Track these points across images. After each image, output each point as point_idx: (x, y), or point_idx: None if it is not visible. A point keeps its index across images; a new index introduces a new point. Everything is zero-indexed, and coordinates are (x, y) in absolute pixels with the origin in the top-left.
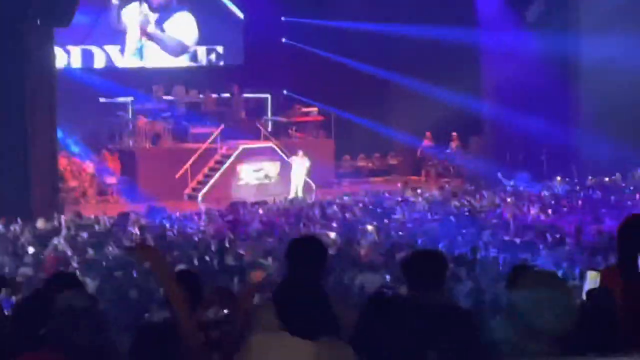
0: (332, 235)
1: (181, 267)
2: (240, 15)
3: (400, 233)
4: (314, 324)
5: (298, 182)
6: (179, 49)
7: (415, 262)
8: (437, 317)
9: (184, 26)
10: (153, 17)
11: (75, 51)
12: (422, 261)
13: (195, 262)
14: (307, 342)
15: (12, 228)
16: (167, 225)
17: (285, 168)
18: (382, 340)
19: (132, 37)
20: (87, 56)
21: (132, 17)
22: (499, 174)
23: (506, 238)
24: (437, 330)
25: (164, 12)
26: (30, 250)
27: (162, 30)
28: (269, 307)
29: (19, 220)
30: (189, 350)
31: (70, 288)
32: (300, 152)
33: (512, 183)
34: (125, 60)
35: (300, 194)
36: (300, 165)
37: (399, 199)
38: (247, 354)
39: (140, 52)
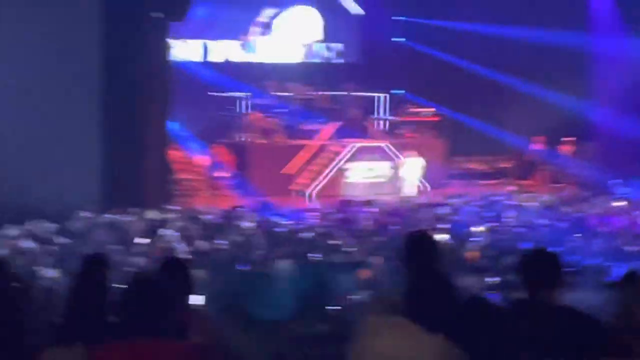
0: (441, 236)
1: (286, 262)
2: (361, 11)
3: (510, 237)
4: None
5: (412, 182)
6: (300, 44)
7: (534, 261)
8: (561, 320)
9: (305, 21)
10: (273, 11)
11: (191, 44)
12: (541, 261)
13: (303, 258)
14: (434, 336)
15: (124, 218)
16: (277, 220)
17: (396, 168)
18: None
19: (250, 31)
20: (203, 50)
21: (251, 11)
22: (613, 181)
23: (618, 246)
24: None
25: (285, 5)
26: (141, 240)
27: (281, 25)
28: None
29: (132, 210)
30: None
31: (175, 273)
32: (411, 151)
33: (626, 190)
34: (241, 54)
35: (414, 193)
36: (414, 164)
37: (510, 202)
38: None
39: (256, 46)
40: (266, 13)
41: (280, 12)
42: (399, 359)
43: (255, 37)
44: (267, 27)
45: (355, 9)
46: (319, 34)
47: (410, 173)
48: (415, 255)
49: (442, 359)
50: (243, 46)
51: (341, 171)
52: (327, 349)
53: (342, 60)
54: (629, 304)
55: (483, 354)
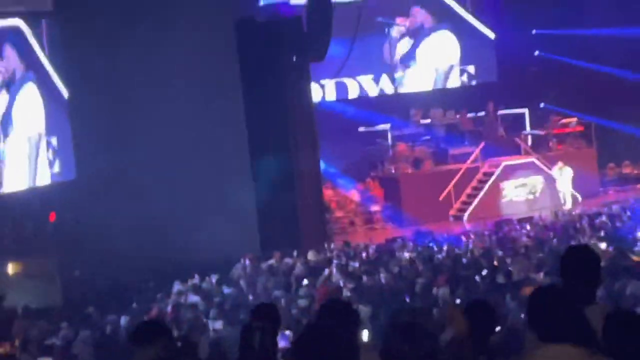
0: (603, 245)
1: (446, 290)
2: (491, 35)
3: None
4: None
5: (565, 193)
6: (439, 70)
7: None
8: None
9: (445, 46)
10: (409, 41)
11: (330, 84)
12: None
13: (466, 282)
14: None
15: (285, 261)
16: (435, 247)
17: (549, 181)
18: None
19: (387, 64)
20: (342, 88)
21: (387, 44)
22: None
23: None
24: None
25: (421, 35)
26: (304, 282)
27: (418, 54)
28: None
29: (292, 253)
30: None
31: (342, 315)
32: (560, 163)
33: None
34: (379, 87)
35: (569, 205)
36: (563, 175)
37: None
38: None
39: (393, 78)
40: (407, 42)
41: (420, 41)
42: None
43: (394, 68)
44: (410, 58)
45: (487, 32)
46: (456, 58)
47: (564, 184)
48: (578, 270)
49: None
50: (381, 79)
51: (495, 191)
52: None
53: (476, 82)
54: None
55: None
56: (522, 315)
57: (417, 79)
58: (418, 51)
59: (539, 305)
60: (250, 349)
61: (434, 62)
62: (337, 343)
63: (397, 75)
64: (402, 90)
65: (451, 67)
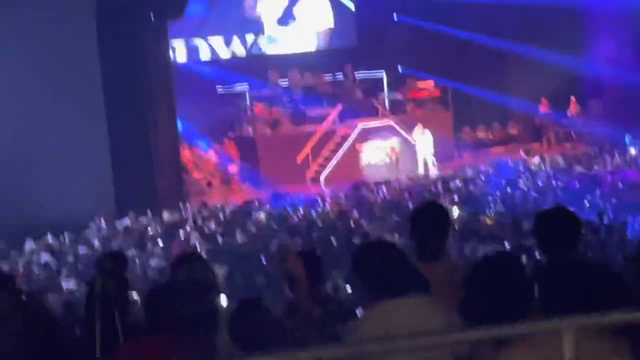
0: (456, 208)
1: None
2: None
3: (524, 202)
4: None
5: (426, 156)
6: (311, 34)
7: (550, 221)
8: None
9: (317, 10)
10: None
11: (189, 43)
12: (557, 220)
13: (321, 243)
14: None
15: (140, 221)
16: (291, 209)
17: (406, 145)
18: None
19: (254, 22)
20: (201, 48)
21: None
22: (626, 137)
23: (633, 201)
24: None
25: None
26: (159, 242)
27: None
28: None
29: (147, 213)
30: (307, 324)
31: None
32: (420, 125)
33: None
34: (238, 48)
35: (429, 168)
36: (423, 138)
37: (522, 168)
38: (369, 320)
39: (255, 39)
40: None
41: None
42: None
43: (274, 29)
44: (288, 16)
45: None
46: (330, 22)
47: (423, 147)
48: (426, 226)
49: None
50: (238, 41)
51: (352, 153)
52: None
53: (338, 44)
54: None
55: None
56: None
57: (295, 39)
58: (295, 10)
59: (366, 260)
60: (94, 298)
61: (311, 24)
62: (192, 295)
63: (271, 34)
64: (262, 51)
65: (315, 32)
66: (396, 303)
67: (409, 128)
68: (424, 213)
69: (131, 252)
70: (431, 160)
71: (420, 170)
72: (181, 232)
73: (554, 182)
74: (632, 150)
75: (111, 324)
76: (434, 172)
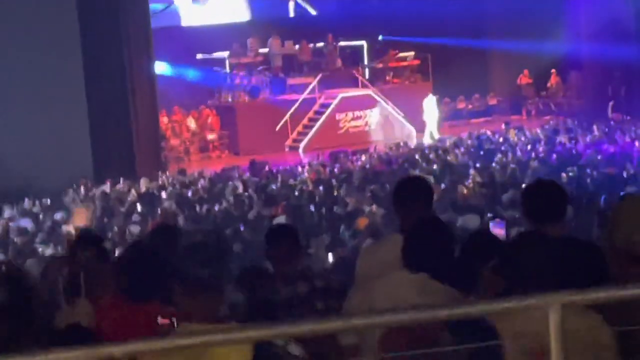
0: (431, 179)
1: (282, 219)
2: None
3: (503, 173)
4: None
5: (432, 127)
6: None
7: (536, 193)
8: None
9: None
10: None
11: (169, 7)
12: (543, 192)
13: (300, 212)
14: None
15: (118, 188)
16: (270, 178)
17: (385, 114)
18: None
19: None
20: (180, 12)
21: None
22: (609, 108)
23: (610, 173)
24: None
25: None
26: (137, 209)
27: None
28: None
29: (123, 180)
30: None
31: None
32: (430, 95)
33: (615, 116)
34: (219, 15)
35: (436, 136)
36: (432, 109)
37: (501, 139)
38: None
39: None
40: None
41: None
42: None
43: None
44: None
45: None
46: None
47: (430, 118)
48: (409, 200)
49: (427, 297)
50: (218, 6)
51: (331, 122)
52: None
53: (316, 12)
54: (627, 231)
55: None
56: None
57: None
58: None
59: None
60: (77, 274)
61: None
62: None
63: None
64: (240, 17)
65: None
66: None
67: (389, 98)
68: (408, 187)
69: (109, 219)
70: (436, 131)
71: (426, 140)
72: (160, 199)
73: (533, 154)
74: (610, 122)
75: (93, 293)
76: (411, 142)
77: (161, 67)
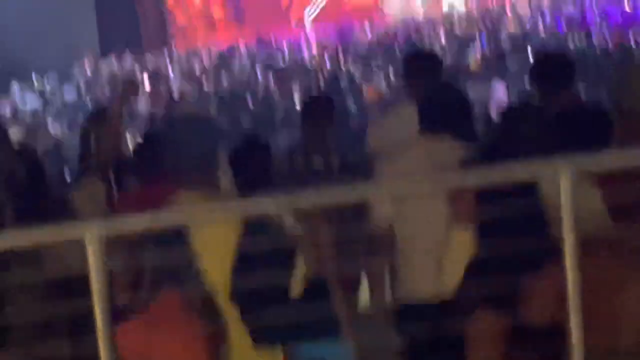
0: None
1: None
2: None
3: (507, 40)
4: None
5: None
6: None
7: (545, 63)
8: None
9: None
10: None
11: None
12: (552, 61)
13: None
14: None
15: (124, 64)
16: (278, 54)
17: None
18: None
19: None
20: None
21: None
22: None
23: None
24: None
25: None
26: (144, 86)
27: None
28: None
29: (131, 56)
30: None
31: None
32: None
33: None
34: None
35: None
36: None
37: (507, 9)
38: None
39: None
40: None
41: None
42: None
43: None
44: None
45: None
46: None
47: None
48: (419, 71)
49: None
50: None
51: None
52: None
53: None
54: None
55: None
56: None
57: None
58: None
59: None
60: (88, 154)
61: None
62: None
63: None
64: None
65: None
66: None
67: None
68: (417, 58)
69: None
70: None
71: (445, 8)
72: (166, 74)
73: (540, 19)
74: None
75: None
76: (417, 13)
77: None
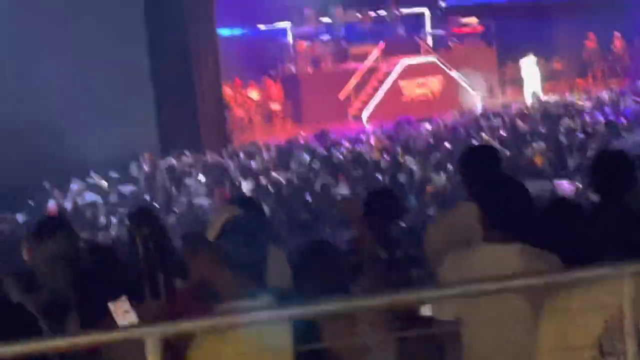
0: (497, 145)
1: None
2: None
3: (570, 139)
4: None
5: (533, 86)
6: None
7: (605, 162)
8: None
9: None
10: None
11: None
12: (612, 161)
13: (366, 181)
14: (510, 248)
15: (184, 161)
16: (334, 147)
17: (448, 81)
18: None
19: None
20: None
21: None
22: None
23: None
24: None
25: None
26: (203, 181)
27: None
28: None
29: (191, 153)
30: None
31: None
32: (531, 54)
33: None
34: None
35: (540, 95)
36: (531, 68)
37: (567, 103)
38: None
39: None
40: None
41: None
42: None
43: None
44: None
45: None
46: None
47: (531, 78)
48: (477, 167)
49: (524, 267)
50: None
51: (395, 90)
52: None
53: None
54: None
55: (567, 256)
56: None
57: None
58: None
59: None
60: (135, 254)
61: None
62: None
63: None
64: None
65: None
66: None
67: (452, 64)
68: (475, 153)
69: (174, 191)
70: (539, 91)
71: (528, 101)
72: (225, 170)
73: (600, 118)
74: None
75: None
76: (477, 108)
77: (223, 38)
